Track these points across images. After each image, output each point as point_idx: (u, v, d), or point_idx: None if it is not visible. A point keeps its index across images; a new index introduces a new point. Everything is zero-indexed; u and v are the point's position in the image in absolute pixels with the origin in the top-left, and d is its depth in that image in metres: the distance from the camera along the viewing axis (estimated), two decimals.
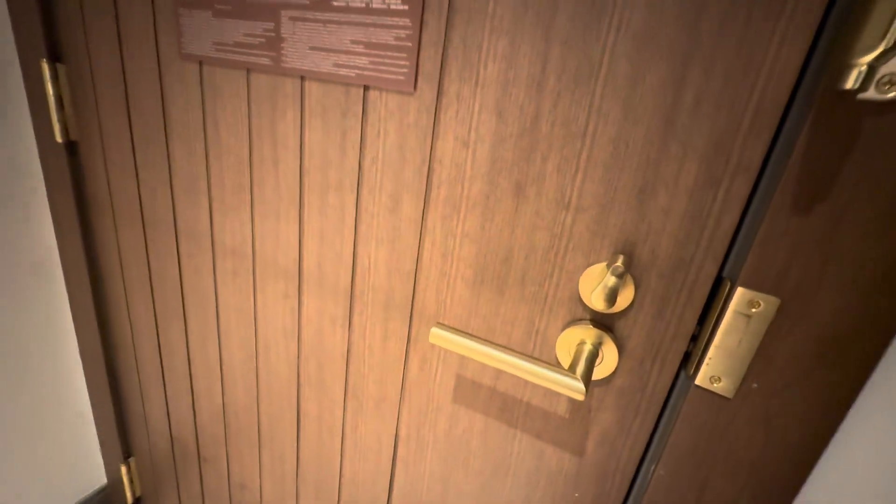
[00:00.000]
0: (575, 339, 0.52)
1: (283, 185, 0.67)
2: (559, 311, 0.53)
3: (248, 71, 0.63)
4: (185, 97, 0.71)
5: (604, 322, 0.51)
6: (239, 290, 0.79)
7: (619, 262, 0.44)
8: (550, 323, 0.54)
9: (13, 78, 0.84)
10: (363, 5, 0.52)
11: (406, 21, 0.50)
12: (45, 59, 0.80)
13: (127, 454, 1.19)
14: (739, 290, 0.42)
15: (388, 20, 0.51)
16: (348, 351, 0.71)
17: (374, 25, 0.52)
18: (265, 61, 0.60)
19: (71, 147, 0.87)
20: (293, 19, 0.57)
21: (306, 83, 0.59)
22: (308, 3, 0.55)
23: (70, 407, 1.12)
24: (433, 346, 0.63)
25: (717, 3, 0.38)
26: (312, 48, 0.57)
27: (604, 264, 0.48)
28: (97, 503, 1.25)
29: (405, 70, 0.52)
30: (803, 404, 0.42)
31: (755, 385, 0.44)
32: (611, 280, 0.44)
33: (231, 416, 0.93)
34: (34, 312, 0.99)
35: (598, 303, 0.45)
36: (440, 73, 0.51)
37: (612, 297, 0.44)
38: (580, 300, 0.51)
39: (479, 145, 0.51)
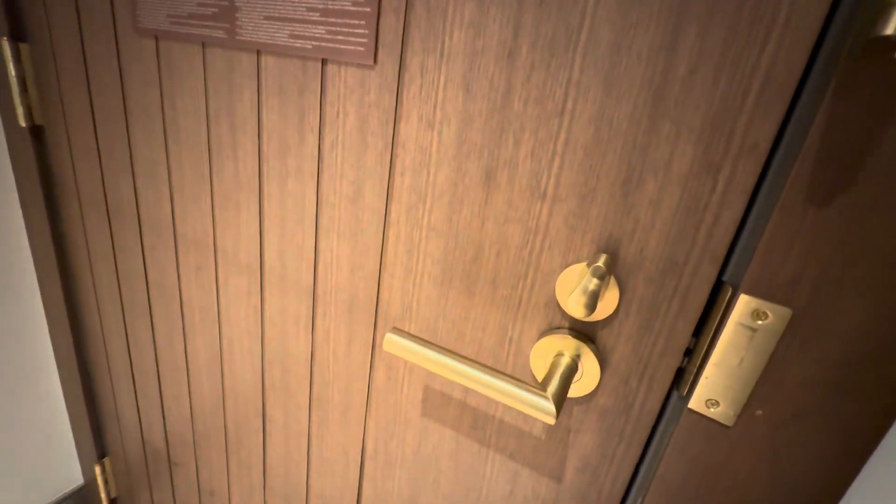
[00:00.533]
0: (552, 350, 0.45)
1: (241, 172, 0.61)
2: (534, 318, 0.46)
3: (203, 45, 0.58)
4: (142, 76, 0.66)
5: (584, 331, 0.44)
6: (202, 287, 0.74)
7: (601, 262, 0.38)
8: (525, 330, 0.47)
9: None
10: None
11: None
12: (5, 38, 0.75)
13: (101, 454, 1.15)
14: (743, 298, 0.35)
15: None
16: (312, 355, 0.65)
17: None
18: (220, 34, 0.55)
19: (36, 132, 0.83)
20: None
21: (262, 57, 0.54)
22: None
23: (47, 402, 1.08)
24: None
25: None
26: (267, 18, 0.51)
27: (584, 265, 0.42)
28: (74, 502, 1.21)
29: (364, 41, 0.46)
30: (817, 439, 0.35)
31: (759, 412, 0.37)
32: (591, 283, 0.37)
33: (198, 419, 0.87)
34: (8, 306, 0.95)
35: (576, 309, 0.38)
36: (402, 44, 0.45)
37: (592, 302, 0.37)
38: (558, 305, 0.45)
39: (444, 126, 0.45)
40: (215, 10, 0.54)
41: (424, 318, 0.53)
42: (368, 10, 0.45)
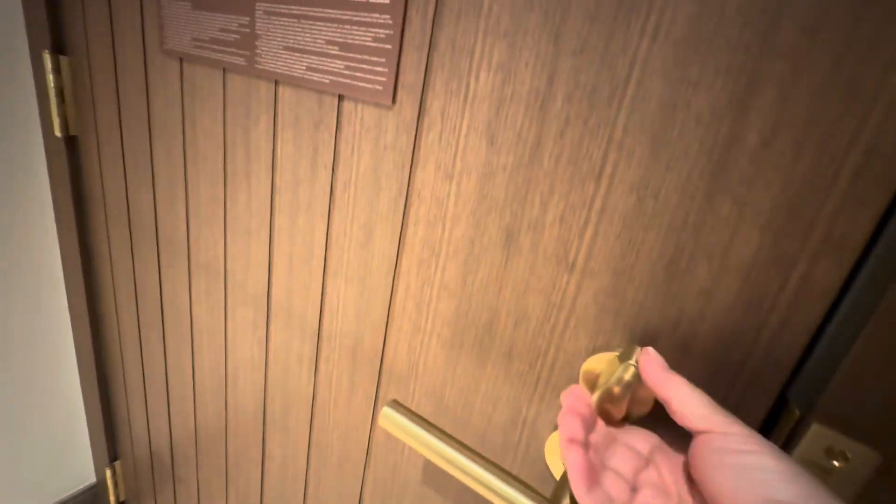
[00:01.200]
0: None
1: (254, 200, 0.59)
2: (553, 401, 0.40)
3: (224, 70, 0.55)
4: (166, 94, 0.64)
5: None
6: (211, 311, 0.72)
7: (634, 360, 0.32)
8: (542, 413, 0.41)
9: (24, 69, 0.82)
10: None
11: (386, 17, 0.40)
12: (47, 51, 0.77)
13: (113, 457, 1.16)
14: (815, 429, 0.28)
15: (367, 16, 0.41)
16: (314, 397, 0.61)
17: (351, 22, 0.42)
18: (240, 61, 0.52)
19: (71, 142, 0.84)
20: (268, 13, 0.48)
21: (279, 88, 0.51)
22: None
23: (66, 402, 1.10)
24: None
25: None
26: (286, 48, 0.48)
27: (615, 355, 0.35)
28: (85, 500, 1.22)
29: (383, 79, 0.42)
30: None
31: None
32: (621, 383, 0.31)
33: (202, 439, 0.85)
34: (38, 307, 0.97)
35: (602, 409, 0.32)
36: (423, 85, 0.40)
37: (620, 407, 0.31)
38: None
39: (464, 178, 0.40)
40: (237, 36, 0.51)
41: (430, 381, 0.48)
42: (389, 46, 0.40)
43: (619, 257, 0.34)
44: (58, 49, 0.78)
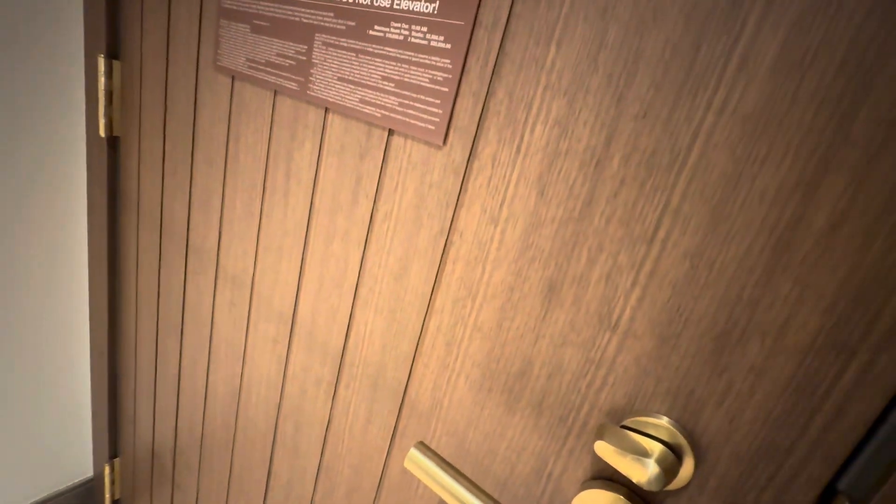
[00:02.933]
0: None
1: (290, 220, 0.59)
2: (583, 458, 0.39)
3: (275, 93, 0.57)
4: (213, 108, 0.66)
5: (643, 495, 0.36)
6: (234, 322, 0.72)
7: (680, 433, 0.31)
8: (569, 470, 0.40)
9: (76, 70, 0.85)
10: (401, 38, 0.43)
11: (446, 62, 0.41)
12: (102, 55, 0.79)
13: (113, 454, 1.15)
14: None
15: (426, 59, 0.42)
16: (329, 422, 0.61)
17: (410, 62, 0.43)
18: (292, 85, 0.54)
19: (112, 142, 0.86)
20: (326, 44, 0.49)
21: (329, 115, 0.52)
22: (343, 28, 0.47)
23: (73, 394, 1.11)
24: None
25: (888, 82, 0.25)
26: (340, 79, 0.49)
27: (653, 419, 0.35)
28: (80, 494, 1.21)
29: (436, 119, 0.42)
30: None
31: None
32: (667, 456, 0.30)
33: (206, 449, 0.85)
34: (59, 298, 0.98)
35: (637, 474, 0.32)
36: (476, 130, 0.41)
37: (661, 480, 0.31)
38: None
39: (509, 225, 0.40)
40: (293, 62, 0.53)
41: (454, 422, 0.47)
42: (446, 89, 0.41)
43: (665, 322, 0.34)
44: (111, 54, 0.81)
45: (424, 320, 0.48)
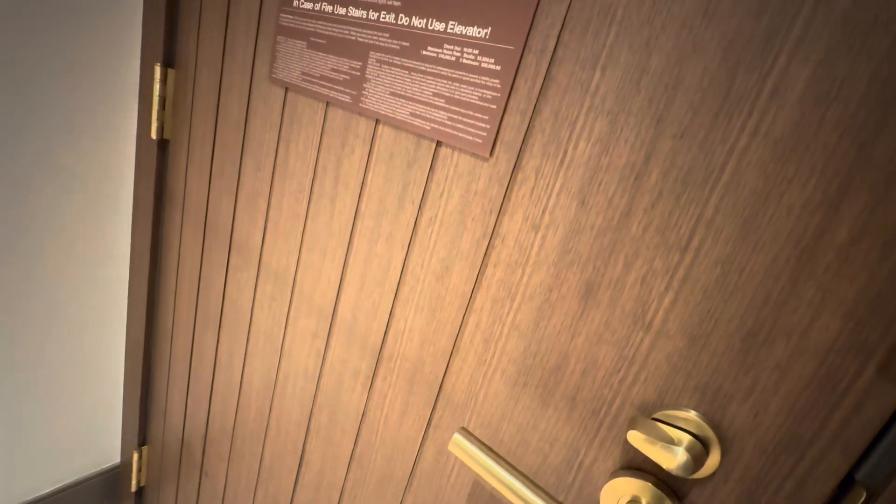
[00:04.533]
0: (626, 493, 0.41)
1: (335, 222, 0.63)
2: (613, 450, 0.42)
3: (328, 104, 0.61)
4: (265, 116, 0.71)
5: (671, 484, 0.39)
6: (273, 317, 0.76)
7: (708, 425, 0.34)
8: (600, 459, 0.43)
9: (132, 76, 0.91)
10: (453, 59, 0.47)
11: (496, 82, 0.45)
12: (159, 63, 0.85)
13: (142, 442, 1.20)
14: None
15: (476, 78, 0.46)
16: (363, 413, 0.64)
17: (460, 81, 0.47)
18: (345, 98, 0.58)
19: (162, 145, 0.92)
20: (380, 62, 0.54)
21: (379, 126, 0.56)
22: (398, 48, 0.52)
23: (107, 381, 1.16)
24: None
25: None
26: (393, 93, 0.53)
27: (682, 413, 0.38)
28: (106, 480, 1.26)
29: (484, 134, 0.46)
30: None
31: None
32: (695, 445, 0.34)
33: (238, 439, 0.89)
34: (99, 290, 1.04)
35: (665, 461, 0.35)
36: (521, 144, 0.44)
37: (689, 467, 0.34)
38: None
39: (550, 231, 0.44)
40: (346, 77, 0.57)
41: (488, 414, 0.50)
42: (494, 107, 0.45)
43: (696, 323, 0.37)
44: (167, 63, 0.86)
45: (464, 318, 0.51)
